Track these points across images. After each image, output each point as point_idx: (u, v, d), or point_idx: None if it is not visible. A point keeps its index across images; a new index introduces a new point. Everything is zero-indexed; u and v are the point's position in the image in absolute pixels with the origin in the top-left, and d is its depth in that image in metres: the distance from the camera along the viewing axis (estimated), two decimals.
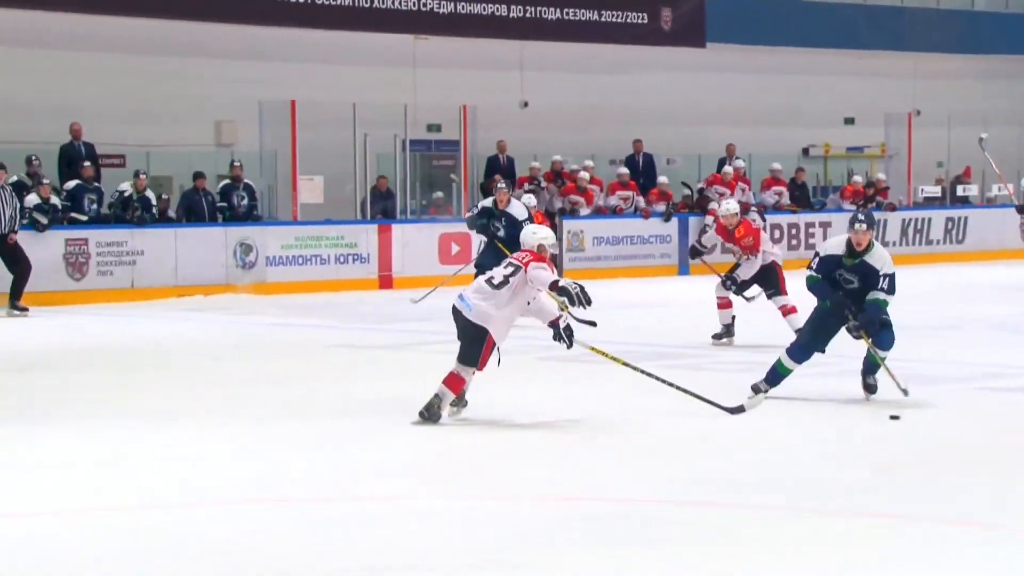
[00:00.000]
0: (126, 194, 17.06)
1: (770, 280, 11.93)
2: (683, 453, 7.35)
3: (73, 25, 18.79)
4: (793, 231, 21.40)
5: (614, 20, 23.00)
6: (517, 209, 13.17)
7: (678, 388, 8.15)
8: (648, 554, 5.33)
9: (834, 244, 8.84)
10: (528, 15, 22.18)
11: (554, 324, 7.87)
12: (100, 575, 5.13)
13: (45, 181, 16.61)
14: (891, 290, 8.55)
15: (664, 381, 8.12)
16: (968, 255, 22.74)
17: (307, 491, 6.60)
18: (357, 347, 11.96)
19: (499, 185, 13.86)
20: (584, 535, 5.63)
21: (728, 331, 12.07)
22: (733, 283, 11.93)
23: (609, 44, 22.94)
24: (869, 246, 8.59)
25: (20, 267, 15.18)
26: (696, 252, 12.82)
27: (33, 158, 17.14)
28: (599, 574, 5.08)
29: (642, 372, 8.17)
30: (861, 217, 8.64)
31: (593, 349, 8.22)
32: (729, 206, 12.31)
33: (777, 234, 20.94)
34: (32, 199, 16.21)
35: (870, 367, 8.82)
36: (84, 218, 16.77)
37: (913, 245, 21.93)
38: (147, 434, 7.96)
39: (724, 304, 12.14)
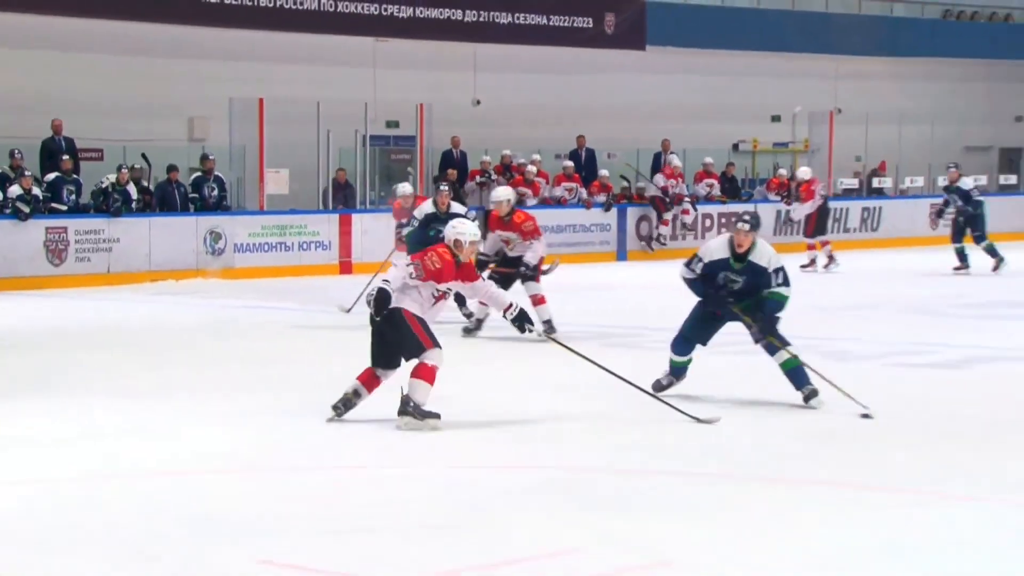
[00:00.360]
0: (104, 186, 16.85)
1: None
2: (631, 425, 7.31)
3: (56, 27, 18.47)
4: (723, 220, 21.47)
5: (561, 24, 23.04)
6: (458, 208, 11.72)
7: (648, 393, 7.68)
8: (593, 516, 5.30)
9: (716, 247, 7.99)
10: (481, 19, 22.14)
11: (508, 311, 7.42)
12: (73, 540, 5.04)
13: (27, 173, 16.36)
14: (786, 282, 7.86)
15: (627, 381, 7.61)
16: (883, 242, 22.92)
17: (278, 460, 6.54)
18: (320, 328, 11.84)
19: (441, 187, 12.33)
20: (542, 501, 5.60)
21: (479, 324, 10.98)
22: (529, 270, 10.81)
23: (556, 47, 22.93)
24: (752, 246, 7.84)
25: None
26: (482, 264, 10.66)
27: (16, 151, 16.83)
28: (556, 537, 5.05)
29: (604, 369, 7.63)
30: (746, 217, 7.92)
31: (554, 341, 8.15)
32: (504, 192, 11.26)
33: (708, 223, 21.03)
34: (15, 190, 15.98)
35: (794, 377, 7.86)
36: (64, 208, 16.53)
37: (832, 233, 22.04)
38: (120, 409, 7.85)
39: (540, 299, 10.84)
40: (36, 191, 16.22)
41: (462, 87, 22.25)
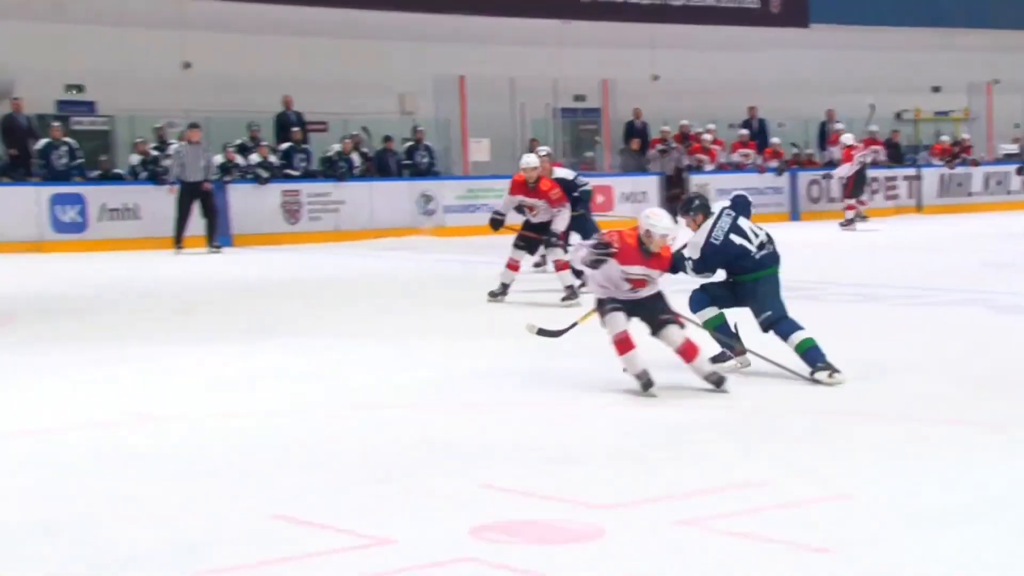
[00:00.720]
0: (330, 154, 17.29)
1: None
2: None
3: (288, 15, 19.01)
4: (890, 183, 20.83)
5: (731, 5, 22.71)
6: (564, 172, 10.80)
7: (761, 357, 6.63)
8: (783, 450, 5.19)
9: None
10: (658, 2, 21.97)
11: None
12: (313, 462, 5.16)
13: (264, 143, 16.91)
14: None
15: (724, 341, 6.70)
16: None
17: (487, 396, 6.55)
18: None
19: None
20: (738, 435, 5.51)
21: (504, 291, 10.01)
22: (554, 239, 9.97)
23: (727, 25, 22.55)
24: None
25: (211, 213, 15.14)
26: (497, 222, 10.47)
27: (253, 124, 17.41)
28: (746, 468, 4.96)
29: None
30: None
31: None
32: (529, 160, 10.20)
33: (875, 186, 20.38)
34: (254, 158, 16.54)
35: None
36: (296, 173, 17.02)
37: (994, 195, 21.14)
38: (354, 347, 8.00)
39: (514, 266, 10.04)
40: (272, 159, 16.75)
41: (642, 64, 22.02)
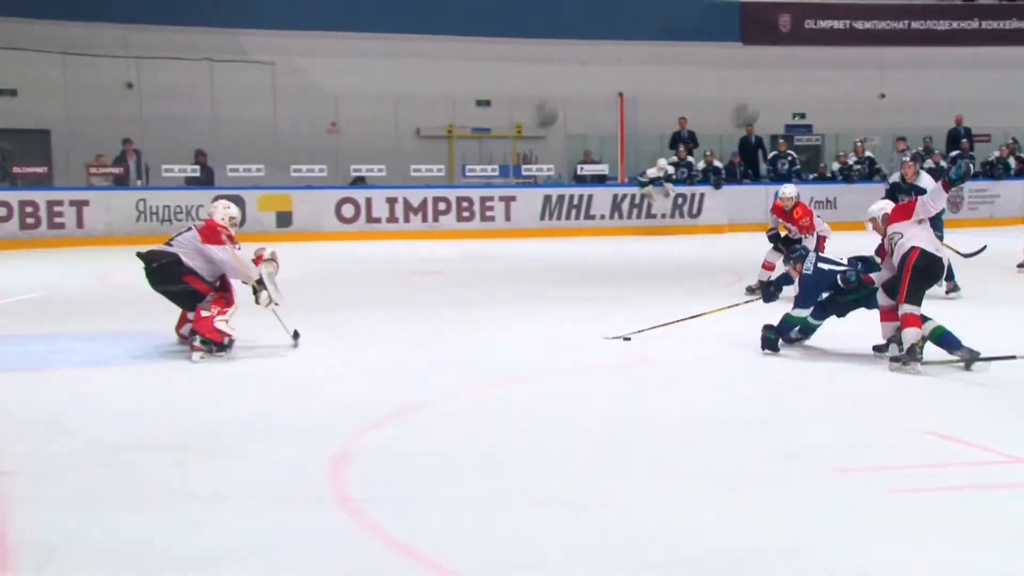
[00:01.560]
0: (991, 159, 21.71)
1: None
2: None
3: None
4: None
5: None
6: (925, 181, 10.73)
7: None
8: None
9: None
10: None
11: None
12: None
13: (935, 151, 21.73)
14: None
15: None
16: None
17: None
18: None
19: (904, 159, 12.20)
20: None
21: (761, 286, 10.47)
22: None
23: None
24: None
25: None
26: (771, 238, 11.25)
27: (927, 137, 21.90)
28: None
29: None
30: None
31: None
32: (786, 190, 11.00)
33: None
34: (928, 164, 21.45)
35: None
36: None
37: None
38: None
39: (769, 266, 11.11)
40: (942, 164, 21.56)
41: None
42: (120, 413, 6.24)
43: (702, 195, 20.34)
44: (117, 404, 6.50)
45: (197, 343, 7.62)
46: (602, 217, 20.02)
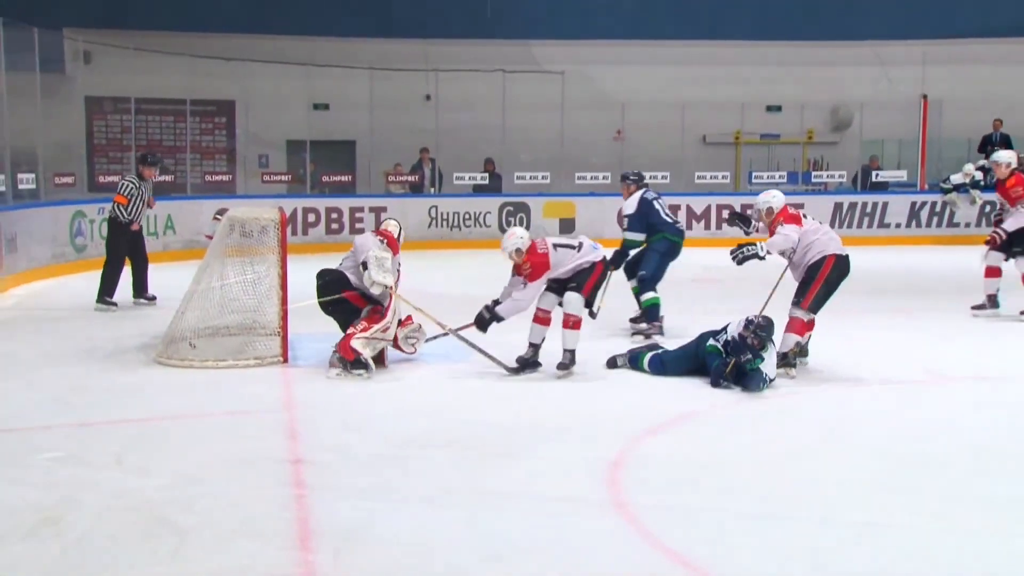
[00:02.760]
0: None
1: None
2: None
3: None
4: None
5: None
6: None
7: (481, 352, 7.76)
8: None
9: None
10: None
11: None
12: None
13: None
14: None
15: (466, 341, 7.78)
16: None
17: None
18: None
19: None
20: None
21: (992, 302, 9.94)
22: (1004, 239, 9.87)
23: None
24: None
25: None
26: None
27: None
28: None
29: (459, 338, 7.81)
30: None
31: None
32: (1000, 156, 10.33)
33: None
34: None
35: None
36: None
37: None
38: None
39: (993, 272, 10.05)
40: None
41: None
42: (418, 410, 6.60)
43: None
44: (415, 402, 6.87)
45: (334, 359, 7.67)
46: (897, 226, 19.40)
